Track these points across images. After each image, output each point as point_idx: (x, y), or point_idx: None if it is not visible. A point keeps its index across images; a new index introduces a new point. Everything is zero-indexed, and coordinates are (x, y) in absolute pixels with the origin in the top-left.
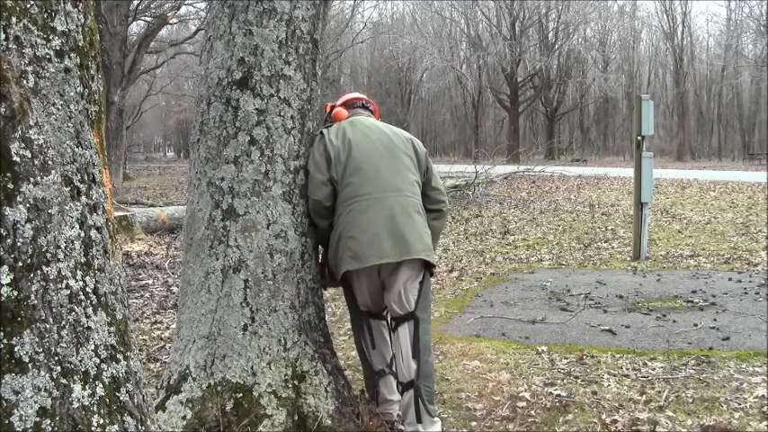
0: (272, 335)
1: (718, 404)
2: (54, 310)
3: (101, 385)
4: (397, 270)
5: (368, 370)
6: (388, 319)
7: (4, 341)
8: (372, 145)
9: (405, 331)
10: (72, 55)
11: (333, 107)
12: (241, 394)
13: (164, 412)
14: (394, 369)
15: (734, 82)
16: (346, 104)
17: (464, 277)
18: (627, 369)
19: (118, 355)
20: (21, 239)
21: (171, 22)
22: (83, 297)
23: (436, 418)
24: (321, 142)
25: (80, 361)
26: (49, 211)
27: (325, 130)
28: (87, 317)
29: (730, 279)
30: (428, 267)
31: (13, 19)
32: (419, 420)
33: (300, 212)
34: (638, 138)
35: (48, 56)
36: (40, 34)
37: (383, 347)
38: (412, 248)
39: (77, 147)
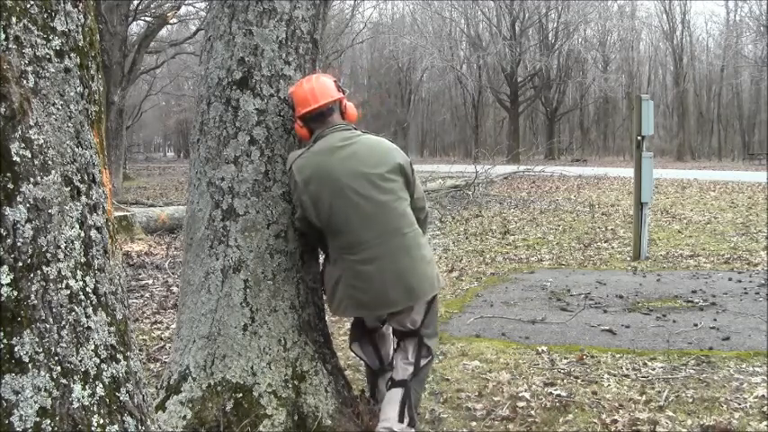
0: (272, 335)
1: (718, 404)
2: (54, 310)
3: (101, 385)
4: (411, 308)
5: (368, 372)
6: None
7: (4, 341)
8: (356, 183)
9: (411, 342)
10: (72, 55)
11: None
12: (241, 394)
13: (164, 412)
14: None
15: (734, 82)
16: (303, 120)
17: (464, 277)
18: (627, 369)
19: (118, 355)
20: (21, 239)
21: (171, 22)
22: (83, 297)
23: (413, 430)
24: (293, 184)
25: (80, 361)
26: (49, 211)
27: (295, 168)
28: (87, 317)
29: (730, 279)
30: None
31: (13, 19)
32: (400, 420)
33: None
34: (638, 138)
35: (48, 56)
36: (40, 34)
37: (387, 343)
38: (419, 292)
39: (77, 147)
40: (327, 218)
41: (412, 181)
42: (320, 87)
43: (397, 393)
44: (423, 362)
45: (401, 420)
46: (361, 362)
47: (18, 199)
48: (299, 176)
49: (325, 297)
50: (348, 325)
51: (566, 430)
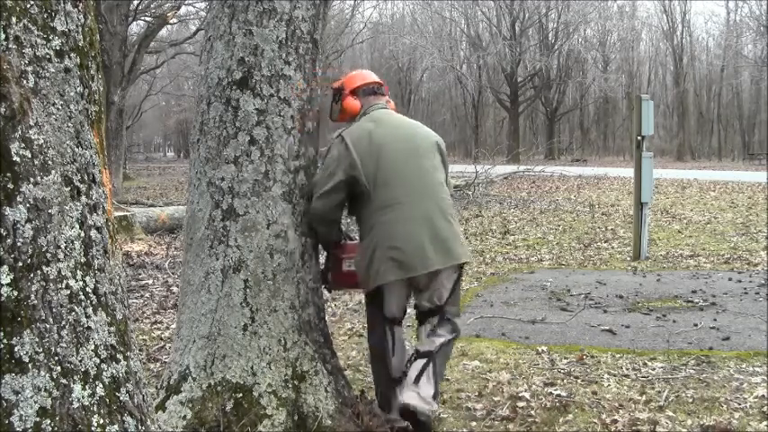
0: (272, 335)
1: (718, 404)
2: (54, 310)
3: (101, 385)
4: (438, 274)
5: (385, 377)
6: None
7: (4, 341)
8: (402, 146)
9: (435, 319)
10: (72, 55)
11: (339, 90)
12: (241, 394)
13: (164, 412)
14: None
15: (734, 82)
16: (356, 92)
17: (464, 277)
18: (627, 369)
19: (118, 355)
20: (21, 239)
21: (171, 22)
22: (83, 297)
23: (435, 404)
24: (343, 147)
25: (80, 361)
26: (49, 211)
27: (345, 134)
28: (87, 317)
29: (730, 279)
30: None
31: (13, 19)
32: (416, 382)
33: (300, 212)
34: (638, 138)
35: (48, 56)
36: (40, 34)
37: (403, 354)
38: (454, 253)
39: (77, 147)
40: (374, 173)
41: (446, 163)
42: (374, 74)
43: (422, 362)
44: (448, 336)
45: (417, 383)
46: (375, 370)
47: (18, 199)
48: (348, 139)
49: (359, 277)
50: (349, 325)
51: (566, 430)
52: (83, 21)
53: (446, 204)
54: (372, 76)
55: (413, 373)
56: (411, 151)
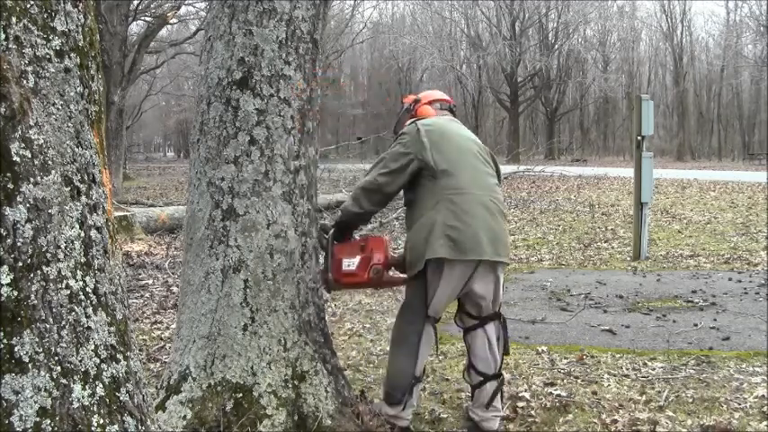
0: (272, 335)
1: (718, 404)
2: (54, 310)
3: (101, 385)
4: (495, 269)
5: (409, 373)
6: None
7: (4, 341)
8: (467, 145)
9: (491, 328)
10: (72, 55)
11: (416, 102)
12: (241, 394)
13: (164, 412)
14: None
15: (734, 82)
16: (432, 104)
17: None
18: (627, 369)
19: (118, 355)
20: (21, 239)
21: (171, 22)
22: (83, 297)
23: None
24: (416, 131)
25: (80, 361)
26: (49, 211)
27: (418, 122)
28: (87, 317)
29: (730, 279)
30: None
31: (13, 19)
32: (494, 405)
33: (300, 212)
34: (638, 138)
35: (48, 56)
36: (40, 34)
37: (428, 355)
38: (504, 250)
39: (77, 147)
40: (443, 157)
41: (501, 178)
42: (451, 98)
43: (494, 385)
44: (502, 344)
45: (501, 408)
46: (396, 368)
47: (18, 199)
48: (423, 128)
49: (407, 256)
50: (349, 325)
51: (566, 430)
52: (83, 21)
53: (501, 203)
54: (447, 97)
55: (485, 397)
56: (474, 151)
